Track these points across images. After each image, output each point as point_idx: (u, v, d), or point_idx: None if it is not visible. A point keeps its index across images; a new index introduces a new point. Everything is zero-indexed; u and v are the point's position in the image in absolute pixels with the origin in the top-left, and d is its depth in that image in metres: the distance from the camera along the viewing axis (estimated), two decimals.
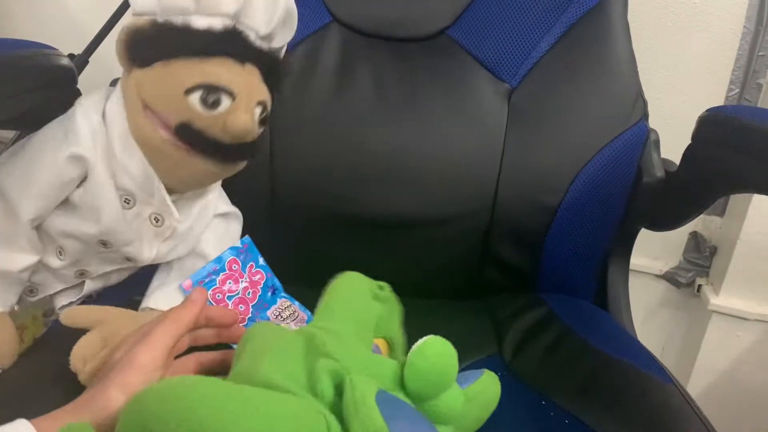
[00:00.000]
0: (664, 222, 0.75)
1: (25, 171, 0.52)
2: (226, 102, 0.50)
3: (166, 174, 0.54)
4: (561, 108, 0.74)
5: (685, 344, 1.24)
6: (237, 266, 0.62)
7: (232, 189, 0.67)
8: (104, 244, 0.56)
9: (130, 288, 0.64)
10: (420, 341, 0.42)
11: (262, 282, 0.64)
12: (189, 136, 0.51)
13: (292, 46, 0.76)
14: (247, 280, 0.63)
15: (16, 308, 0.59)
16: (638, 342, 0.67)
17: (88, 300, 0.63)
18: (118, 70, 0.56)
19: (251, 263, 0.64)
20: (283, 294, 0.65)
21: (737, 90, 1.09)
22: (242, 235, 0.67)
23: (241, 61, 0.52)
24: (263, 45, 0.55)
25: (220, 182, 0.65)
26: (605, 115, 0.74)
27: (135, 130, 0.52)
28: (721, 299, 1.12)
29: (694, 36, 1.06)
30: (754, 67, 1.06)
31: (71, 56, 0.76)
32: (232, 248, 0.63)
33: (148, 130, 0.51)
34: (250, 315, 0.61)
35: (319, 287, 0.53)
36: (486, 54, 0.76)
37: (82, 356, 0.50)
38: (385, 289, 0.49)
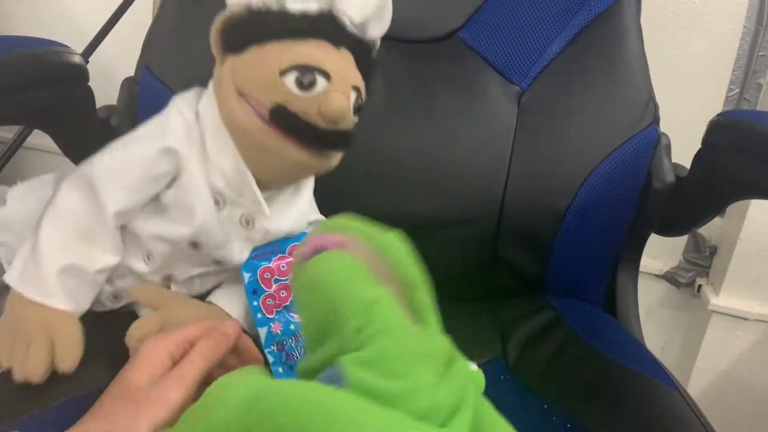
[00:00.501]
0: (674, 227, 0.75)
1: (116, 163, 0.52)
2: (322, 83, 0.49)
3: (258, 165, 0.53)
4: (571, 111, 0.74)
5: (685, 344, 1.24)
6: None
7: None
8: (195, 246, 0.55)
9: None
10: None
11: None
12: (284, 119, 0.50)
13: None
14: None
15: None
16: (645, 348, 0.67)
17: None
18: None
19: None
20: None
21: (737, 90, 1.09)
22: None
23: (336, 44, 0.51)
24: (357, 32, 0.54)
25: (312, 186, 0.64)
26: (615, 119, 0.73)
27: (228, 117, 0.52)
28: (721, 299, 1.13)
29: (694, 36, 1.06)
30: (754, 67, 1.07)
31: None
32: (301, 234, 0.62)
33: (242, 116, 0.51)
34: (287, 304, 0.60)
35: None
36: (496, 56, 0.76)
37: (137, 335, 0.52)
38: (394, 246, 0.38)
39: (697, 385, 1.19)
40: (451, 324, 0.72)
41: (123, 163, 0.52)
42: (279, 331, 0.58)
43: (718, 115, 0.67)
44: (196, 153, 0.53)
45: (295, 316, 0.60)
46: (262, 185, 0.55)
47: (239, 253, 0.57)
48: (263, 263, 0.59)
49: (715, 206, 0.69)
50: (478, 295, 0.79)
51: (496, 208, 0.74)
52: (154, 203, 0.54)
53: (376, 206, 0.72)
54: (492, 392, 0.57)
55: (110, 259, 0.54)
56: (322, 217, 0.66)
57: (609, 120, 0.73)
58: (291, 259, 0.60)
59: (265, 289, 0.58)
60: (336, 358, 0.32)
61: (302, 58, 0.49)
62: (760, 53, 1.06)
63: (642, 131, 0.72)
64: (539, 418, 0.55)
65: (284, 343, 0.58)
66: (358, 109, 0.54)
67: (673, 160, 0.75)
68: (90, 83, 0.67)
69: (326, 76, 0.49)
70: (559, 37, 0.75)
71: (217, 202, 0.54)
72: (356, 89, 0.53)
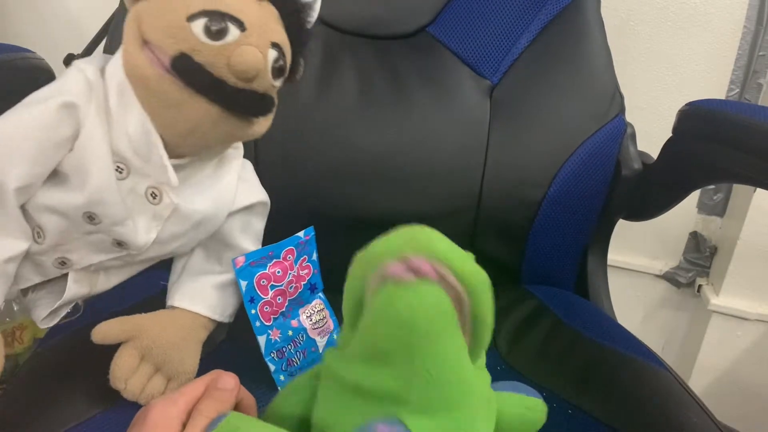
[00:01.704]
0: (641, 213, 0.77)
1: (8, 131, 0.45)
2: (234, 32, 0.44)
3: (162, 120, 0.47)
4: (542, 104, 0.76)
5: (685, 344, 1.24)
6: (291, 257, 0.59)
7: None
8: (91, 218, 0.48)
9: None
10: (529, 396, 0.41)
11: (308, 278, 0.62)
12: (187, 69, 0.44)
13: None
14: (295, 273, 0.60)
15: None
16: (626, 330, 0.68)
17: (74, 311, 0.56)
18: None
19: (305, 256, 0.61)
20: (320, 294, 0.64)
21: (737, 90, 1.09)
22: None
23: None
24: None
25: (239, 166, 0.57)
26: (585, 110, 0.75)
27: (128, 66, 0.45)
28: (721, 299, 1.12)
29: (694, 36, 1.06)
30: (755, 66, 1.06)
31: (71, 56, 0.76)
32: (294, 238, 0.60)
33: (142, 63, 0.45)
34: (283, 310, 0.59)
35: None
36: (467, 51, 0.77)
37: (122, 377, 0.48)
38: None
39: (697, 384, 1.18)
40: None
41: (17, 131, 0.44)
42: (278, 338, 0.58)
43: (687, 104, 0.69)
44: (96, 108, 0.46)
45: (292, 321, 0.60)
46: (174, 150, 0.49)
47: (145, 232, 0.50)
48: (259, 270, 0.57)
49: (682, 192, 0.71)
50: None
51: (473, 200, 0.75)
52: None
53: (353, 204, 0.74)
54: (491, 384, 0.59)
55: (19, 245, 0.47)
56: (263, 197, 0.60)
57: (579, 111, 0.75)
58: (287, 264, 0.59)
59: (262, 296, 0.57)
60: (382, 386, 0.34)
61: (213, 3, 0.44)
62: (760, 53, 1.05)
63: (610, 121, 0.74)
64: None
65: (283, 349, 0.59)
66: (280, 72, 0.48)
67: None
68: None
69: (240, 25, 0.44)
70: (527, 32, 0.76)
71: (120, 170, 0.48)
72: (277, 47, 0.47)
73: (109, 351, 0.50)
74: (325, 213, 0.74)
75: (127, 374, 0.48)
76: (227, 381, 0.44)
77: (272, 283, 0.58)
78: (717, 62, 1.07)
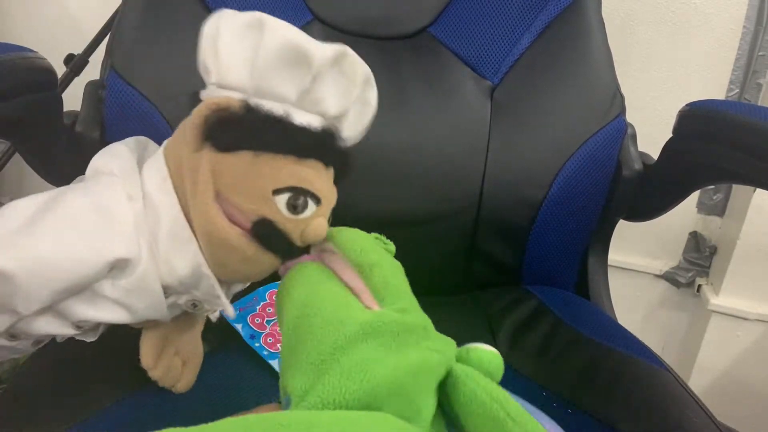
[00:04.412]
0: (642, 213, 0.77)
1: (48, 262, 0.43)
2: (311, 208, 0.45)
3: (224, 270, 0.48)
4: (542, 104, 0.76)
5: (685, 344, 1.24)
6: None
7: None
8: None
9: None
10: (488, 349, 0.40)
11: None
12: (267, 234, 0.45)
13: None
14: None
15: None
16: (627, 330, 0.68)
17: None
18: None
19: None
20: None
21: (737, 90, 1.09)
22: None
23: (326, 164, 0.47)
24: (342, 146, 0.50)
25: None
26: (585, 111, 0.75)
27: (201, 219, 0.45)
28: (721, 299, 1.13)
29: (694, 36, 1.07)
30: (754, 67, 1.07)
31: (71, 56, 0.76)
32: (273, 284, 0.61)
33: (219, 220, 0.45)
34: None
35: None
36: (468, 51, 0.77)
37: (153, 355, 0.52)
38: (387, 242, 0.46)
39: (697, 384, 1.18)
40: (439, 318, 0.74)
41: (57, 264, 0.43)
42: None
43: (687, 104, 0.69)
44: (148, 251, 0.46)
45: None
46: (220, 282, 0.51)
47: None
48: (250, 312, 0.60)
49: (682, 192, 0.71)
50: (458, 287, 0.80)
51: (474, 201, 0.75)
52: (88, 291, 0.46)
53: (354, 204, 0.72)
54: None
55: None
56: None
57: (579, 112, 0.75)
58: (274, 301, 0.60)
59: (260, 331, 0.60)
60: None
61: (300, 181, 0.45)
62: (760, 53, 1.06)
63: (611, 122, 0.74)
64: (540, 405, 0.55)
65: None
66: None
67: None
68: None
69: (317, 201, 0.46)
70: (528, 32, 0.76)
71: (165, 293, 0.49)
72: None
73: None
74: None
75: (156, 354, 0.52)
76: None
77: (267, 318, 0.60)
78: (717, 62, 1.08)
